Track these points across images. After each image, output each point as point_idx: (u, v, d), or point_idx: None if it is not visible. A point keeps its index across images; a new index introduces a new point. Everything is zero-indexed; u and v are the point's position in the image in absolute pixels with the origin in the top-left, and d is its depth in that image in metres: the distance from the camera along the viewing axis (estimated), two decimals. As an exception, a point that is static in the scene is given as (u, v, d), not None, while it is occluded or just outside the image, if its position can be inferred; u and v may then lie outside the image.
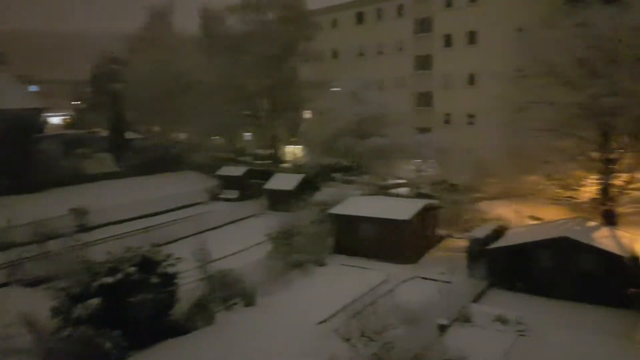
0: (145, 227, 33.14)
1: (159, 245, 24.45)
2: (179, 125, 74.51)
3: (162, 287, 20.10)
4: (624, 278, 22.57)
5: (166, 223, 36.19)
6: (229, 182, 47.35)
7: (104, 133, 69.21)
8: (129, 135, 67.04)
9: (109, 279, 19.03)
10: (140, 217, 38.94)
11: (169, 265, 20.68)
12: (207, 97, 56.73)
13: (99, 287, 18.89)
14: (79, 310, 18.31)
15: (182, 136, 76.83)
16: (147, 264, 20.12)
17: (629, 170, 28.07)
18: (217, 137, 66.83)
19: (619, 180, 28.61)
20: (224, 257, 28.07)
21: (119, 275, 19.16)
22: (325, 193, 35.20)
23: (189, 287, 22.09)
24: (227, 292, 22.94)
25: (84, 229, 33.75)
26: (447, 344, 18.09)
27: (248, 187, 45.95)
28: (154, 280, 19.78)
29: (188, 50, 64.60)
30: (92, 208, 36.25)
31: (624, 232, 25.70)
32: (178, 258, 21.28)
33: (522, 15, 41.22)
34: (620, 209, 29.35)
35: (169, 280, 20.54)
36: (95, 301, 18.45)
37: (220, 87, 54.31)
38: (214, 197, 46.76)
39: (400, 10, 53.13)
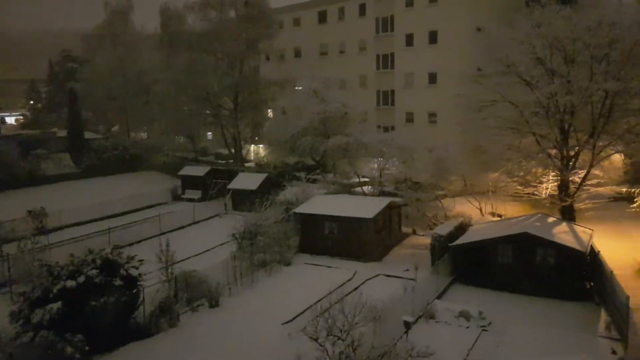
0: (107, 229, 32.33)
1: (122, 247, 24.05)
2: (139, 125, 73.29)
3: (125, 290, 19.73)
4: (582, 272, 23.27)
5: (128, 224, 35.43)
6: (191, 182, 46.67)
7: (62, 133, 67.41)
8: (87, 135, 65.43)
9: (70, 283, 18.55)
10: (102, 219, 38.07)
11: (131, 267, 20.30)
12: (168, 96, 55.86)
13: (60, 290, 18.40)
14: (39, 315, 17.81)
15: (143, 136, 75.57)
16: (110, 267, 19.69)
17: (586, 166, 28.90)
18: (179, 136, 65.86)
19: (577, 176, 29.46)
20: (188, 258, 27.77)
21: (81, 279, 18.71)
22: (289, 192, 35.04)
23: (153, 289, 21.72)
24: (191, 294, 22.68)
25: (43, 231, 32.71)
26: (413, 340, 18.25)
27: (211, 187, 45.41)
28: (117, 282, 19.37)
29: (148, 49, 63.51)
30: (51, 210, 35.18)
31: (582, 227, 26.43)
32: (141, 260, 20.93)
33: (482, 15, 42.01)
34: (578, 205, 30.24)
35: (132, 282, 20.16)
36: (56, 305, 17.96)
37: (181, 85, 53.46)
38: (177, 198, 46.05)
39: (362, 9, 53.32)
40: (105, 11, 70.28)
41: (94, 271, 19.00)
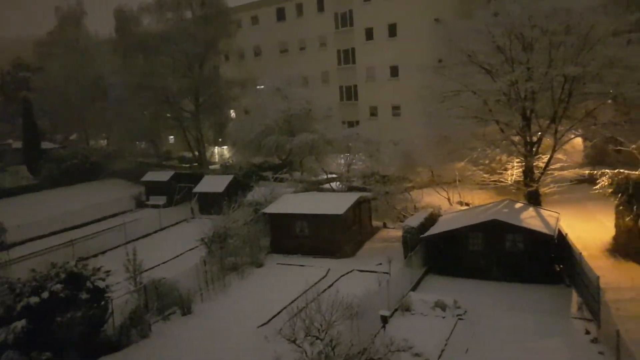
0: (70, 241, 31.33)
1: (86, 258, 23.32)
2: (98, 132, 71.56)
3: (93, 303, 19.14)
4: (551, 255, 23.60)
5: (92, 235, 34.45)
6: (155, 188, 45.71)
7: (17, 144, 65.23)
8: (44, 145, 63.49)
9: (34, 299, 17.93)
10: (64, 231, 37.00)
11: (98, 279, 19.66)
12: (126, 101, 54.61)
13: (24, 308, 17.80)
14: (3, 335, 17.20)
15: (103, 143, 73.83)
16: (75, 280, 19.05)
17: (549, 151, 29.35)
18: (140, 141, 64.50)
19: (541, 161, 29.90)
20: (157, 265, 27.17)
21: (45, 294, 18.07)
22: (257, 193, 34.63)
23: (122, 299, 21.09)
24: (162, 302, 22.07)
25: (2, 247, 31.43)
26: (391, 334, 18.13)
27: (176, 191, 44.57)
28: (83, 296, 18.78)
29: (104, 53, 61.99)
30: (10, 224, 33.81)
31: (549, 210, 26.82)
32: (107, 271, 20.28)
33: (440, 7, 42.33)
34: (543, 189, 30.71)
35: (99, 294, 19.54)
36: (20, 323, 17.31)
37: (139, 89, 52.30)
38: (141, 205, 45.03)
39: (320, 5, 53.15)
40: (56, 16, 68.30)
41: (58, 286, 18.34)
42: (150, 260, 25.92)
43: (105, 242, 32.85)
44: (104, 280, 19.71)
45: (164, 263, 28.29)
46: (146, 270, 23.08)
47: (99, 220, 40.00)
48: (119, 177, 56.18)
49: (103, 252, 31.39)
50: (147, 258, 23.96)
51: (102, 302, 19.61)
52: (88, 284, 19.15)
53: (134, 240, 32.62)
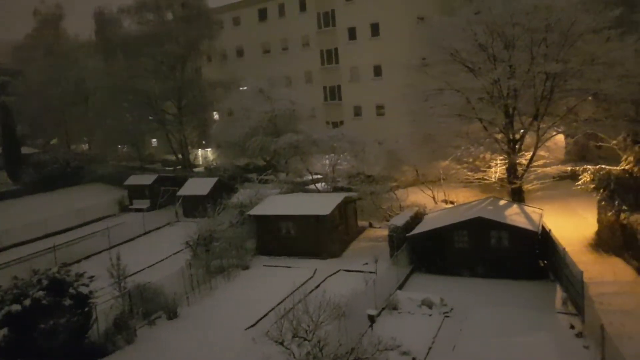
0: (53, 247, 30.90)
1: (69, 264, 23.02)
2: (79, 136, 70.75)
3: (76, 309, 18.86)
4: (535, 251, 23.78)
5: (75, 240, 34.09)
6: (138, 192, 45.30)
7: (-5, 150, 64.28)
8: (25, 150, 62.60)
9: (15, 307, 17.63)
10: (46, 236, 36.54)
11: (81, 285, 19.39)
12: (108, 104, 54.00)
13: (5, 316, 17.49)
14: (-16, 344, 16.74)
15: (84, 147, 73.03)
16: (57, 286, 18.76)
17: (532, 148, 29.59)
18: (123, 145, 63.86)
19: (524, 158, 30.13)
20: (142, 270, 26.96)
21: (27, 302, 17.77)
22: (242, 195, 34.47)
23: (106, 305, 20.90)
24: (147, 307, 21.87)
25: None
26: (378, 333, 18.13)
27: (160, 195, 44.20)
28: (66, 302, 18.49)
29: (84, 57, 61.30)
30: (-11, 231, 33.43)
31: (532, 207, 27.04)
32: (91, 276, 20.02)
33: (422, 5, 42.49)
34: (526, 186, 30.96)
35: (83, 300, 19.25)
36: (2, 332, 17.09)
37: (121, 92, 51.78)
38: (124, 209, 44.60)
39: (302, 5, 53.03)
40: (35, 19, 67.41)
41: (41, 292, 18.06)
42: (135, 264, 25.70)
43: (89, 247, 32.53)
44: (87, 286, 19.44)
45: (148, 267, 28.06)
46: (131, 275, 22.82)
47: (82, 226, 39.59)
48: (102, 181, 55.57)
49: (87, 258, 31.01)
50: (131, 262, 23.69)
51: (86, 308, 19.31)
52: (71, 290, 18.85)
53: (118, 245, 32.20)
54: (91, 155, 63.76)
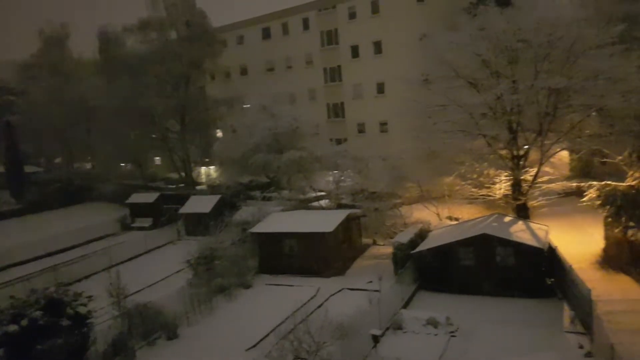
0: (52, 266, 30.67)
1: (69, 284, 22.77)
2: (83, 155, 70.92)
3: (74, 330, 18.65)
4: (542, 268, 23.39)
5: (75, 259, 33.84)
6: (140, 210, 45.17)
7: (0, 169, 64.42)
8: (28, 169, 62.72)
9: (12, 327, 17.44)
10: (47, 255, 36.41)
11: (79, 304, 19.17)
12: (111, 123, 54.06)
13: (2, 336, 17.32)
14: (-19, 364, 16.50)
15: (88, 166, 73.16)
16: (55, 306, 18.59)
17: (536, 164, 29.31)
18: (126, 163, 63.88)
19: (528, 175, 29.84)
20: (142, 289, 26.70)
21: (24, 322, 17.55)
22: (244, 212, 34.23)
23: (105, 325, 20.67)
24: (147, 327, 21.54)
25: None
26: (382, 354, 17.76)
27: (162, 213, 44.00)
28: (64, 322, 18.28)
29: (88, 75, 61.64)
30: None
31: (538, 224, 26.69)
32: (89, 296, 19.79)
33: (425, 23, 42.58)
34: (531, 203, 30.62)
35: (81, 321, 19.05)
36: (-1, 352, 16.68)
37: (124, 111, 51.87)
38: (126, 227, 44.40)
39: (306, 24, 53.34)
40: (40, 39, 67.94)
41: (38, 312, 17.90)
42: (135, 284, 25.52)
43: (89, 266, 32.28)
44: (85, 305, 19.25)
45: (149, 286, 27.82)
46: (131, 295, 22.63)
47: (83, 244, 39.44)
48: (104, 199, 55.54)
49: (87, 277, 30.85)
50: (132, 282, 23.58)
51: (84, 329, 19.10)
52: (69, 310, 18.67)
53: (118, 264, 32.03)
54: (94, 173, 63.83)
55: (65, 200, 55.57)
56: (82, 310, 18.95)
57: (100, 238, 40.98)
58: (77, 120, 61.93)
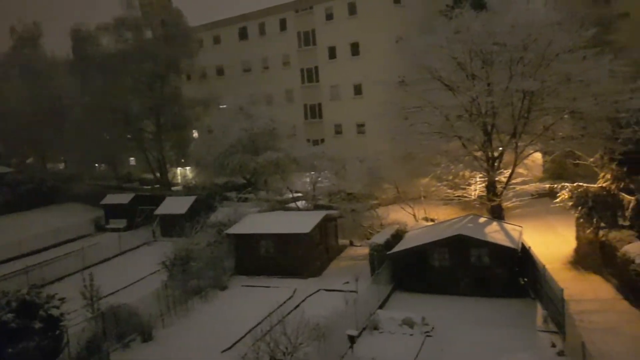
0: (25, 268, 30.04)
1: (42, 285, 22.32)
2: (56, 155, 69.69)
3: (47, 332, 18.24)
4: (515, 269, 23.71)
5: (48, 261, 33.16)
6: (115, 211, 44.57)
7: (-33, 170, 63.00)
8: (-1, 169, 61.41)
9: (-17, 330, 16.88)
10: (19, 257, 35.75)
11: (52, 307, 18.79)
12: (85, 123, 53.23)
13: (-29, 340, 16.72)
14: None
15: (61, 166, 71.93)
16: (27, 309, 18.14)
17: (511, 166, 29.72)
18: (100, 164, 62.94)
19: (503, 176, 30.24)
20: (116, 291, 26.35)
21: (-6, 325, 17.01)
22: (221, 213, 33.97)
23: (78, 328, 20.24)
24: (121, 329, 21.20)
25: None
26: (359, 354, 17.80)
27: (137, 214, 43.49)
28: (36, 325, 17.86)
29: (61, 74, 60.59)
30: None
31: (512, 224, 27.07)
32: (62, 298, 19.43)
33: (402, 25, 42.89)
34: (506, 204, 31.04)
35: (54, 323, 18.65)
36: (-33, 357, 16.28)
37: (98, 110, 51.13)
38: (100, 228, 43.79)
39: (283, 24, 53.27)
40: (12, 37, 66.63)
41: (9, 315, 17.46)
42: (110, 285, 25.18)
43: (63, 268, 31.72)
44: (58, 308, 18.87)
45: (123, 288, 27.43)
46: (105, 297, 22.31)
47: (56, 246, 38.79)
48: (78, 200, 54.62)
49: (60, 279, 30.31)
50: (106, 283, 23.27)
51: (57, 331, 18.71)
52: (41, 312, 18.27)
53: (92, 266, 31.60)
54: (67, 174, 62.74)
55: (38, 201, 54.53)
56: (55, 312, 18.58)
57: (74, 239, 40.34)
58: (50, 120, 60.82)
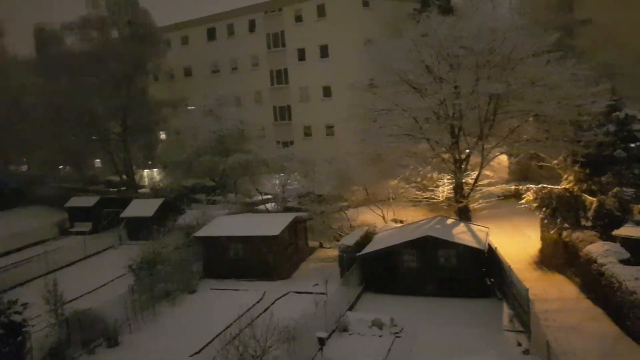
0: (-17, 273, 29.19)
1: (2, 291, 21.76)
2: (17, 156, 67.71)
3: (8, 339, 17.89)
4: (482, 269, 24.08)
5: (9, 266, 32.25)
6: (80, 214, 43.55)
7: None
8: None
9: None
10: (-22, 262, 34.37)
11: (14, 312, 18.40)
12: (48, 124, 51.89)
13: None
14: None
15: (23, 168, 70.04)
16: (-13, 315, 17.56)
17: (477, 168, 30.19)
18: (64, 166, 61.51)
19: (470, 178, 30.70)
20: (81, 296, 25.79)
21: (-48, 332, 16.51)
22: (189, 216, 33.55)
23: (42, 333, 19.80)
24: (86, 334, 20.76)
25: None
26: (328, 356, 17.82)
27: (102, 217, 42.64)
28: (-3, 332, 17.29)
29: (23, 74, 58.94)
30: None
31: (479, 225, 27.47)
32: (25, 304, 18.94)
33: (371, 28, 43.16)
34: (472, 205, 31.50)
35: (16, 330, 18.26)
36: None
37: (63, 111, 49.88)
38: (65, 232, 42.75)
39: (252, 25, 53.03)
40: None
41: (-32, 322, 16.87)
42: (74, 290, 24.72)
43: (25, 272, 30.79)
44: (20, 313, 18.46)
45: (88, 293, 26.85)
46: (69, 302, 21.77)
47: (18, 250, 37.55)
48: (41, 203, 53.11)
49: (22, 284, 29.40)
50: (70, 288, 22.81)
51: (19, 338, 18.30)
52: (3, 318, 17.91)
53: (56, 270, 30.77)
54: (30, 176, 61.03)
55: (-1, 204, 53.00)
56: (17, 318, 18.21)
57: (37, 243, 39.14)
58: (12, 121, 59.07)
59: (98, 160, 61.87)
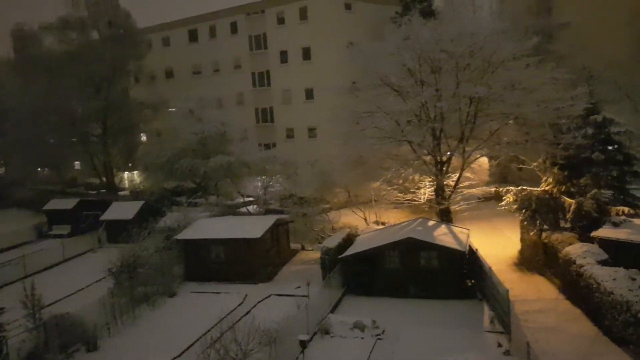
0: (-41, 277, 28.62)
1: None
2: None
3: (-17, 345, 17.34)
4: (463, 271, 24.23)
5: (-15, 270, 31.63)
6: (58, 217, 42.98)
7: None
8: None
9: None
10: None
11: (-10, 317, 17.90)
12: (27, 125, 51.08)
13: None
14: None
15: (1, 170, 68.93)
16: (-38, 321, 17.20)
17: (458, 170, 30.41)
18: (43, 168, 60.62)
19: (451, 180, 30.91)
20: (59, 300, 25.37)
21: None
22: (170, 218, 33.26)
23: (19, 338, 19.48)
24: (64, 339, 20.36)
25: None
26: (310, 359, 17.76)
27: (82, 220, 42.10)
28: (-28, 338, 16.93)
29: (1, 74, 58.08)
30: None
31: (460, 227, 27.65)
32: (1, 308, 18.72)
33: (352, 30, 43.32)
34: (454, 207, 31.72)
35: (-8, 335, 17.77)
36: None
37: (41, 113, 49.18)
38: (43, 235, 42.11)
39: (234, 27, 52.85)
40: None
41: (-57, 327, 16.50)
42: (53, 294, 24.31)
43: (2, 276, 30.26)
44: (-3, 318, 18.06)
45: (67, 297, 26.43)
46: (47, 306, 21.48)
47: (-6, 254, 36.94)
48: (19, 206, 52.46)
49: (-1, 288, 28.95)
50: (48, 292, 22.41)
51: (-5, 344, 17.91)
52: (-22, 324, 17.44)
53: (34, 274, 30.30)
54: (8, 178, 60.05)
55: (-25, 207, 52.05)
56: (-8, 323, 17.84)
57: (15, 247, 38.53)
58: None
59: (77, 162, 61.15)
